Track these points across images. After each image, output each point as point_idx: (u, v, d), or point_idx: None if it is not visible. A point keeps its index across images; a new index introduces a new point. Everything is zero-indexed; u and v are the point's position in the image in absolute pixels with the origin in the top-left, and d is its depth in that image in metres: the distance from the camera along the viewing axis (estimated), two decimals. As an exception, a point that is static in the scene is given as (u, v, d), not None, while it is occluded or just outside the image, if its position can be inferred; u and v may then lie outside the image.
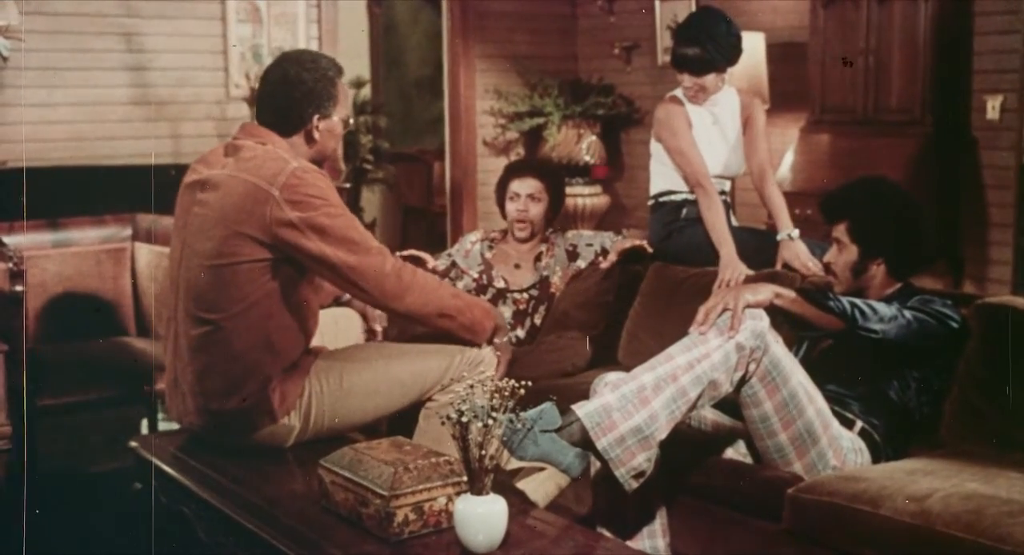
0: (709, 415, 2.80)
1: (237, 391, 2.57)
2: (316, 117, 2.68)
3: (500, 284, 3.78)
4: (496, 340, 2.82)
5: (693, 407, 2.47)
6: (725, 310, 2.51)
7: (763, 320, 2.51)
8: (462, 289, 3.78)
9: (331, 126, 2.71)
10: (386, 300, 2.62)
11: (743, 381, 2.52)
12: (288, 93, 2.66)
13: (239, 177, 2.57)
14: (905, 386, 2.78)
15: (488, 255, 3.84)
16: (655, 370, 2.45)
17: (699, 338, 2.49)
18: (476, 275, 3.80)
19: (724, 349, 2.46)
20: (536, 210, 3.82)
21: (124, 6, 5.81)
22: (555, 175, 3.96)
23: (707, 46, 3.65)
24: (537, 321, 3.78)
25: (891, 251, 2.86)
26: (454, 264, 3.84)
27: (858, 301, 2.70)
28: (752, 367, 2.49)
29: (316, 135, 2.69)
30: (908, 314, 2.71)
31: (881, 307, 2.70)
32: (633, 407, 2.40)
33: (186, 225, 2.65)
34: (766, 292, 2.59)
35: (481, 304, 2.82)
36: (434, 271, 2.95)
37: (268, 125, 2.68)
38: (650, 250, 3.76)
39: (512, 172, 3.90)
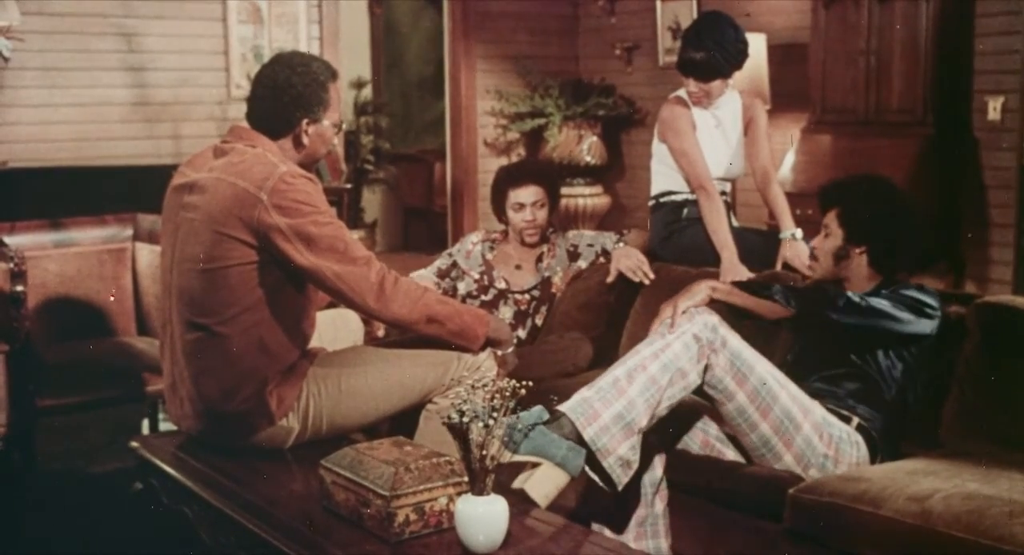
0: (730, 453, 2.81)
1: (234, 395, 2.56)
2: (305, 121, 2.65)
3: (501, 285, 3.78)
4: (499, 352, 2.81)
5: (665, 393, 2.54)
6: (668, 319, 2.63)
7: (712, 315, 2.61)
8: (463, 290, 3.78)
9: (321, 131, 2.68)
10: (371, 308, 2.61)
11: (708, 371, 2.59)
12: (277, 97, 2.64)
13: (227, 180, 2.55)
14: (892, 378, 2.78)
15: (489, 256, 3.83)
16: (625, 363, 2.57)
17: (657, 335, 2.62)
18: (477, 276, 3.79)
19: (682, 339, 2.57)
20: (542, 215, 3.80)
21: (125, 6, 5.81)
22: (552, 177, 3.94)
23: (714, 52, 3.62)
24: (538, 322, 3.78)
25: (875, 239, 2.86)
26: (455, 264, 3.84)
27: (809, 289, 2.73)
28: (714, 358, 2.58)
29: (305, 139, 2.67)
30: (873, 301, 2.74)
31: (842, 296, 2.75)
32: (612, 396, 2.50)
33: (176, 229, 2.64)
34: (702, 291, 2.70)
35: (472, 310, 2.80)
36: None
37: (257, 128, 2.67)
38: (650, 280, 3.68)
39: (510, 181, 3.82)
